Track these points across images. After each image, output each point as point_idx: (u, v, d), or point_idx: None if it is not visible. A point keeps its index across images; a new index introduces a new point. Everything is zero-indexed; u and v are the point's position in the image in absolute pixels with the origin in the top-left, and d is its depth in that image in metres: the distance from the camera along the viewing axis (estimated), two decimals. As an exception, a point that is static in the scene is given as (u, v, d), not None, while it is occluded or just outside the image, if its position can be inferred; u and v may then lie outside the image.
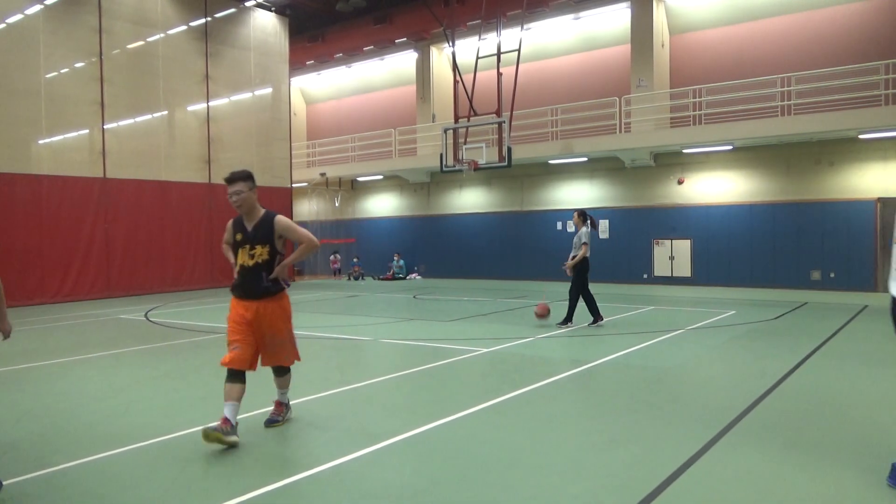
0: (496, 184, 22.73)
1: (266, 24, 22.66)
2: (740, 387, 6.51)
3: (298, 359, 5.40)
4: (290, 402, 5.60)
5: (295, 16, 23.78)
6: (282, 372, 5.40)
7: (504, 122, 15.98)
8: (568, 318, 10.67)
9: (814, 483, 3.96)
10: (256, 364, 5.13)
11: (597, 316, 10.71)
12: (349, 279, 24.32)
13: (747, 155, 18.05)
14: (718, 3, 19.34)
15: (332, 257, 25.87)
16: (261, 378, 7.28)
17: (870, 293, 15.98)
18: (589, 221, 10.73)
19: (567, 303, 10.83)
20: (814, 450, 4.56)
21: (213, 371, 7.72)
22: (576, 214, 10.86)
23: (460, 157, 16.58)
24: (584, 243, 10.52)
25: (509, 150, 15.95)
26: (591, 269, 10.87)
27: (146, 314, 13.70)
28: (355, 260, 24.80)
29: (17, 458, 4.63)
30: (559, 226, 21.12)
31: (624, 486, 3.94)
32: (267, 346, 5.14)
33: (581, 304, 10.79)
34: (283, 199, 23.08)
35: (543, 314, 10.96)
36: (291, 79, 24.44)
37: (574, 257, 10.61)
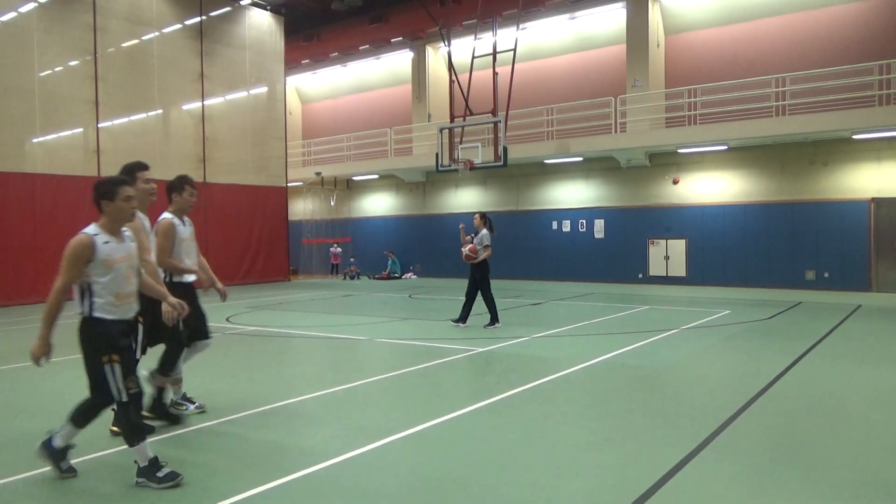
0: (492, 183, 22.74)
1: (261, 23, 22.61)
2: (735, 386, 6.53)
3: None
4: (284, 403, 5.54)
5: (290, 15, 23.72)
6: None
7: (500, 121, 15.99)
8: (462, 318, 10.66)
9: (807, 482, 3.98)
10: None
11: (494, 319, 10.66)
12: (345, 278, 24.28)
13: (742, 155, 18.10)
14: (713, 4, 19.38)
15: (332, 250, 25.73)
16: (261, 377, 7.27)
17: (864, 293, 16.04)
18: (489, 224, 10.80)
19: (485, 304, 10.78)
20: (808, 449, 4.58)
21: (208, 371, 7.71)
22: (477, 216, 10.89)
23: (456, 157, 16.58)
24: (487, 246, 10.57)
25: (505, 149, 15.95)
26: (491, 269, 10.90)
27: (141, 313, 13.64)
28: (352, 259, 24.77)
29: (11, 457, 4.61)
30: (555, 225, 21.14)
31: (619, 485, 3.95)
32: None
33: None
34: (279, 198, 23.05)
35: (471, 255, 10.79)
36: (287, 78, 24.39)
37: (471, 255, 10.61)
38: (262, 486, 3.96)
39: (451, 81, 17.11)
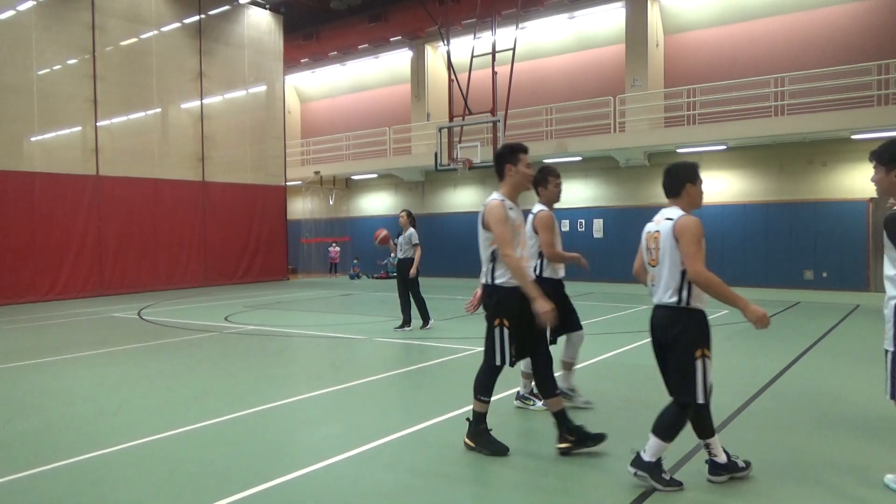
0: (491, 183, 22.72)
1: (260, 22, 22.59)
2: (733, 386, 6.53)
3: None
4: (283, 402, 5.51)
5: (289, 13, 23.71)
6: None
7: (499, 121, 16.01)
8: (427, 319, 10.53)
9: (805, 481, 3.98)
10: None
11: (406, 322, 10.54)
12: (350, 278, 24.20)
13: (741, 155, 18.11)
14: (712, 4, 19.39)
15: (331, 249, 25.69)
16: (260, 376, 7.26)
17: (862, 293, 16.06)
18: (414, 222, 10.68)
19: (415, 308, 10.65)
20: (805, 447, 4.58)
21: (207, 370, 7.71)
22: (404, 214, 10.70)
23: (455, 156, 16.60)
24: (416, 244, 10.45)
25: (504, 149, 15.93)
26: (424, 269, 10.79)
27: (139, 312, 13.65)
28: (355, 261, 24.65)
29: (8, 457, 4.60)
30: (553, 225, 21.11)
31: (618, 485, 3.95)
32: None
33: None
34: (278, 197, 23.03)
35: (384, 238, 10.72)
36: (286, 77, 24.37)
37: (402, 260, 10.50)
38: (259, 486, 3.95)
39: (450, 81, 17.13)
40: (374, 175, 25.07)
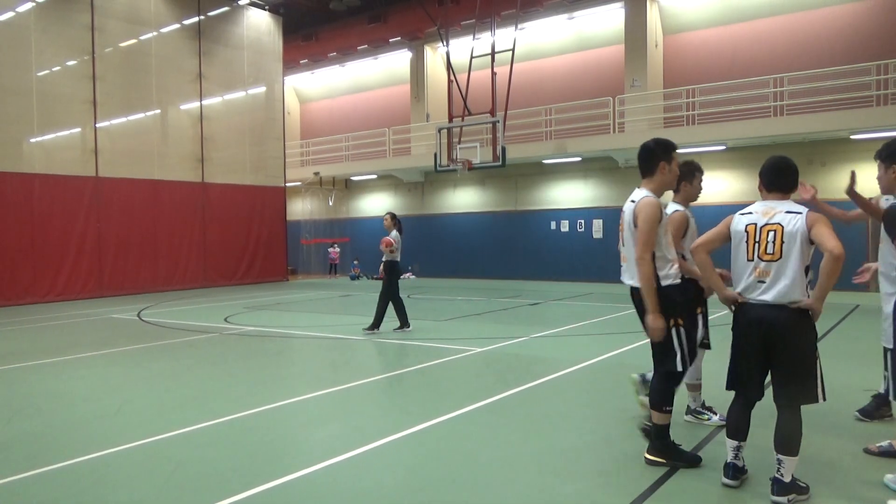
0: (490, 183, 22.74)
1: (259, 23, 22.60)
2: (733, 386, 6.53)
3: None
4: (283, 403, 5.47)
5: (288, 14, 23.71)
6: None
7: (498, 121, 16.00)
8: (375, 325, 10.26)
9: (804, 480, 3.98)
10: None
11: (404, 323, 10.44)
12: (350, 279, 24.17)
13: (740, 155, 18.11)
14: (712, 4, 19.40)
15: (331, 250, 25.66)
16: (260, 377, 7.26)
17: (862, 293, 16.05)
18: (398, 225, 10.57)
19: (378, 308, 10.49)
20: (805, 447, 4.57)
21: (206, 371, 7.70)
22: (388, 217, 10.59)
23: (454, 157, 16.60)
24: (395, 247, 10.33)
25: (503, 149, 15.96)
26: (400, 273, 10.65)
27: (139, 313, 13.64)
28: (355, 262, 24.64)
29: (8, 458, 4.60)
30: (553, 225, 21.14)
31: (618, 485, 3.95)
32: None
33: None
34: (277, 198, 23.03)
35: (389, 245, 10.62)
36: (285, 78, 24.38)
37: (385, 262, 10.43)
38: (259, 487, 3.95)
39: (449, 81, 17.13)
40: (374, 176, 25.07)
